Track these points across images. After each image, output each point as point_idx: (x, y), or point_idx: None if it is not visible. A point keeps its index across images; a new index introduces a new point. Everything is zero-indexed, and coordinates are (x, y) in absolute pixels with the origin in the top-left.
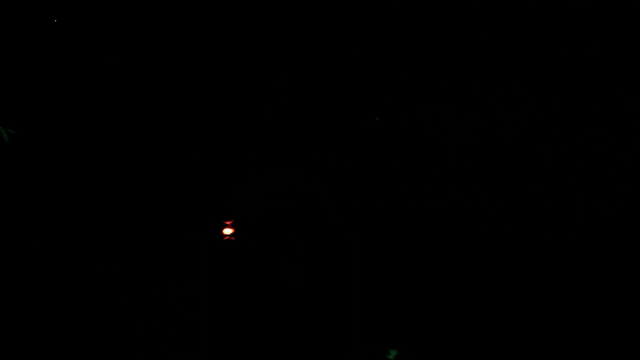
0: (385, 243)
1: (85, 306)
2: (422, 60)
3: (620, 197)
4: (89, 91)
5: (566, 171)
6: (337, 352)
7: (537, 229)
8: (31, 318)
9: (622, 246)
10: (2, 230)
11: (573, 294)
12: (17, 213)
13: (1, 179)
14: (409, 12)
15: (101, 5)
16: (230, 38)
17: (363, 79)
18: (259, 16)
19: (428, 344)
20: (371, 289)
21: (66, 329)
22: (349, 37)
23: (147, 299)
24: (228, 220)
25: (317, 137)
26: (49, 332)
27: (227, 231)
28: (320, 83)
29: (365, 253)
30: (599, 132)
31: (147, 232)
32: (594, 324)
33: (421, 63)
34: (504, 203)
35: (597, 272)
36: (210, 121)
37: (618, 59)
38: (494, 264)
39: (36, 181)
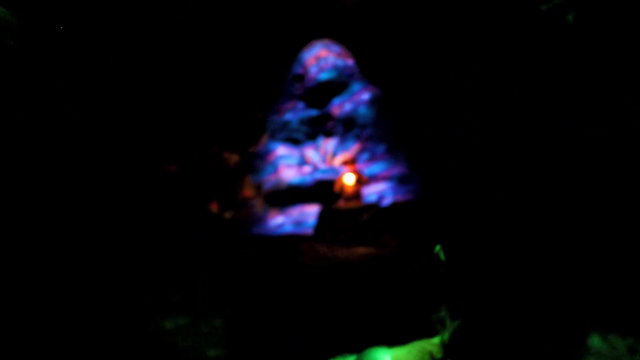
0: (387, 243)
1: (86, 305)
2: (422, 60)
3: (620, 197)
4: (89, 91)
5: (566, 171)
6: (340, 352)
7: (537, 229)
8: (32, 317)
9: (622, 246)
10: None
11: (573, 293)
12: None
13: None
14: (410, 12)
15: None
16: (233, 39)
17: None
18: (259, 17)
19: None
20: (374, 288)
21: (67, 328)
22: (349, 37)
23: (147, 298)
24: (351, 164)
25: (317, 136)
26: (50, 331)
27: (351, 179)
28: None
29: (368, 252)
30: (599, 132)
31: (148, 232)
32: (594, 323)
33: (421, 63)
34: (504, 203)
35: (597, 271)
36: (210, 122)
37: (618, 59)
38: (494, 264)
39: (36, 182)
